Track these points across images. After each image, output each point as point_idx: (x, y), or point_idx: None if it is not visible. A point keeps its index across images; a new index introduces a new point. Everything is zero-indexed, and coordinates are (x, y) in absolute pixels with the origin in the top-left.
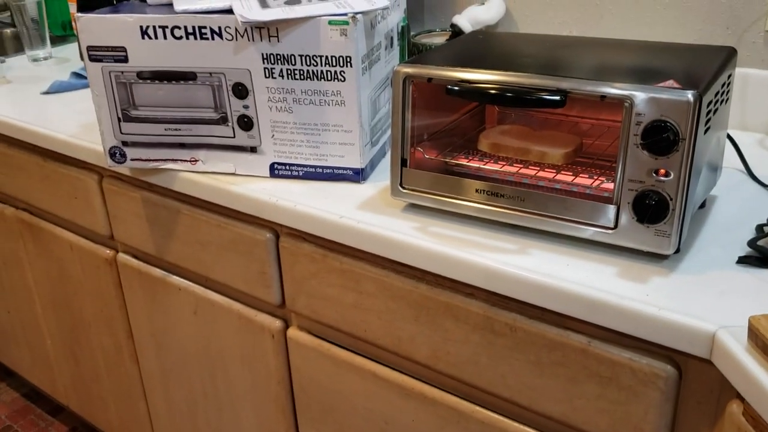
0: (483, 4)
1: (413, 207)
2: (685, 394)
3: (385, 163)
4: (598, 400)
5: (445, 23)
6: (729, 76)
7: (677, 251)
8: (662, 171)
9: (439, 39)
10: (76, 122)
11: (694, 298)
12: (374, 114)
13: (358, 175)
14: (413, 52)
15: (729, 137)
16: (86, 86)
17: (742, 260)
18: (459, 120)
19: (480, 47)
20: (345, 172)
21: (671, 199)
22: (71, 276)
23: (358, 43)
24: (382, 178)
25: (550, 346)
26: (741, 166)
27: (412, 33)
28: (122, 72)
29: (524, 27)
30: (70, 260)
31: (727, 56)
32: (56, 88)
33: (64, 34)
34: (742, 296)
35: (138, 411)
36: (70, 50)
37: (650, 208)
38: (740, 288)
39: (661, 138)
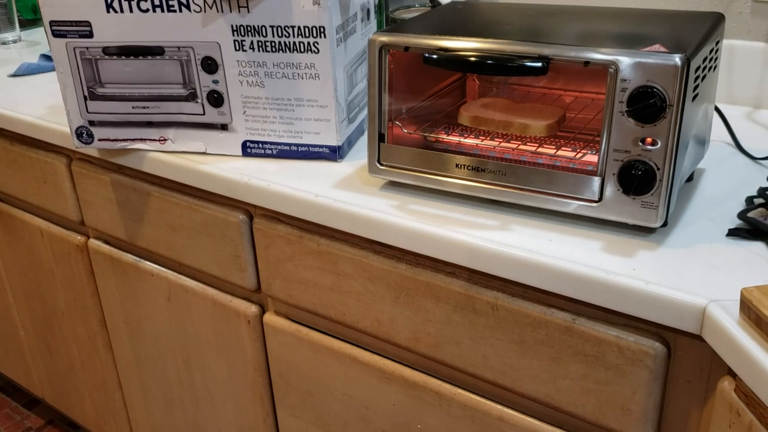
0: None
1: (392, 185)
2: (674, 372)
3: (363, 142)
4: (584, 380)
5: None
6: (717, 43)
7: (665, 224)
8: (649, 139)
9: (418, 14)
10: (44, 104)
11: (683, 272)
12: (351, 89)
13: (334, 153)
14: None
15: (717, 109)
16: (55, 68)
17: (732, 233)
18: (439, 93)
19: (459, 16)
20: (321, 150)
21: (658, 169)
22: (43, 264)
23: (332, 13)
24: (360, 156)
25: (534, 325)
26: (729, 139)
27: (390, 8)
28: (87, 48)
29: None
30: (41, 247)
31: (714, 22)
32: (24, 71)
33: (34, 17)
34: (732, 269)
35: (114, 402)
36: (40, 33)
37: (636, 179)
38: (730, 261)
39: (647, 104)
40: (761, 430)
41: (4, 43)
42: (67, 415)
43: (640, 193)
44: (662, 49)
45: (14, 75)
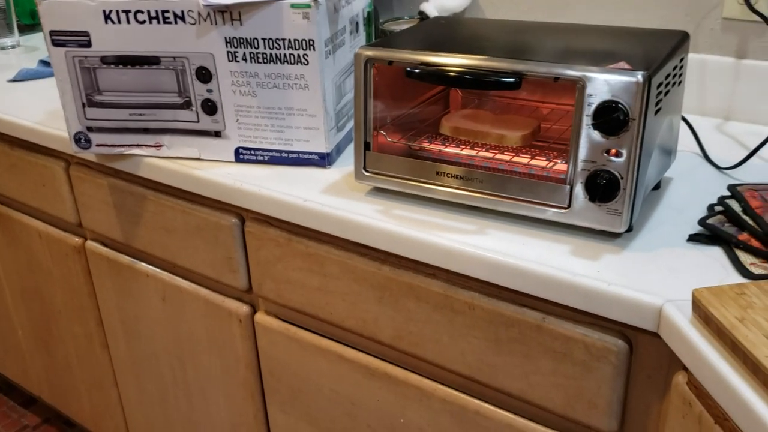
0: None
1: (377, 190)
2: (636, 367)
3: (352, 149)
4: (553, 376)
5: (413, 10)
6: (681, 60)
7: (630, 230)
8: (613, 151)
9: (406, 26)
10: (43, 109)
11: (643, 274)
12: (339, 99)
13: (323, 160)
14: None
15: (685, 121)
16: (53, 74)
17: (693, 238)
18: (423, 104)
19: (442, 32)
20: (310, 156)
21: (622, 178)
22: (41, 264)
23: (321, 27)
24: (348, 163)
25: (507, 323)
26: (698, 150)
27: (380, 20)
28: (86, 57)
29: (491, 14)
30: (39, 249)
31: (679, 40)
32: (23, 76)
33: (32, 22)
34: (690, 272)
35: (110, 399)
36: (39, 39)
37: (601, 188)
38: (689, 264)
39: (611, 118)
40: (708, 420)
41: (2, 48)
42: (63, 412)
43: (605, 200)
44: (626, 66)
45: (13, 80)
